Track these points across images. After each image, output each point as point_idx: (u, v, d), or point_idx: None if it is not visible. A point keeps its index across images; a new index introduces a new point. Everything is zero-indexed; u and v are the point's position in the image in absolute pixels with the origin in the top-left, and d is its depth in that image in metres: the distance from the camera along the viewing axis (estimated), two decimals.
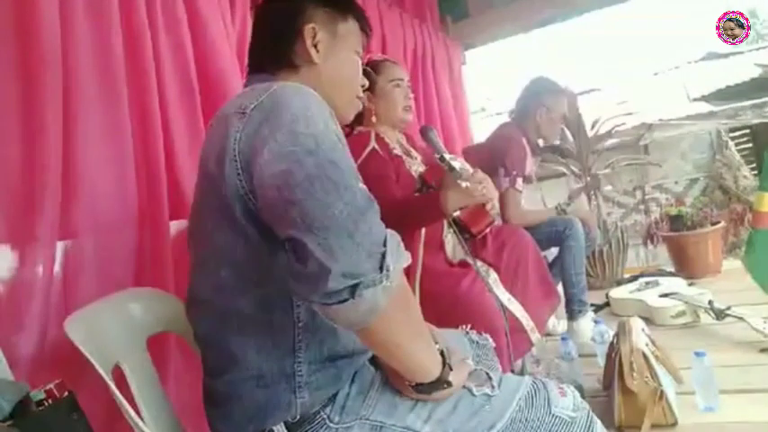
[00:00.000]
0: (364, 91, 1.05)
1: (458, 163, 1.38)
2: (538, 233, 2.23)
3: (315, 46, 0.93)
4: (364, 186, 0.77)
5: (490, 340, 1.15)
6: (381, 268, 0.68)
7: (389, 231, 0.73)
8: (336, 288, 0.66)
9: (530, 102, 2.43)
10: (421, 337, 0.80)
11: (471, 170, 1.38)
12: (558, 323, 2.43)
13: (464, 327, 1.16)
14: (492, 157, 2.30)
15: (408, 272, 1.52)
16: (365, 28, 1.02)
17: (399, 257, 0.73)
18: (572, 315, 2.26)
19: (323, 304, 0.68)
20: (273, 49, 0.94)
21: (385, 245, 0.70)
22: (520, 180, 2.27)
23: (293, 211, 0.68)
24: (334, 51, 0.95)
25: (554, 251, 2.44)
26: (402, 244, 0.75)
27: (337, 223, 0.67)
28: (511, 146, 2.31)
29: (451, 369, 0.81)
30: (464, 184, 1.33)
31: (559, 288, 2.32)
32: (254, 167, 0.73)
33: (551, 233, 2.27)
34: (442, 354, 0.82)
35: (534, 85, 2.47)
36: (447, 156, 1.37)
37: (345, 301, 0.67)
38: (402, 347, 0.76)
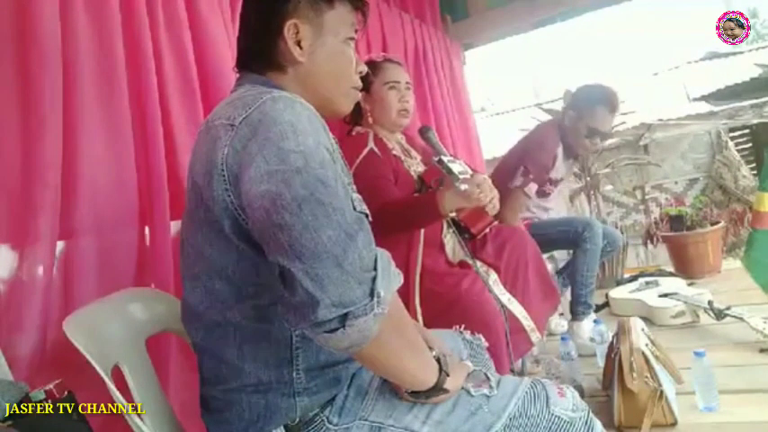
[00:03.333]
0: (361, 91, 1.00)
1: (456, 165, 1.37)
2: (553, 232, 2.20)
3: (298, 43, 0.85)
4: (357, 196, 0.76)
5: (483, 340, 1.15)
6: (372, 295, 0.68)
7: (380, 251, 0.72)
8: (326, 318, 0.66)
9: (566, 103, 2.34)
10: (415, 353, 0.79)
11: (470, 172, 1.37)
12: (560, 323, 2.43)
13: (458, 327, 1.16)
14: (522, 156, 2.21)
15: (408, 272, 1.52)
16: (358, 5, 0.92)
17: (391, 280, 0.72)
18: (575, 315, 2.26)
19: (313, 333, 0.68)
20: (257, 51, 0.88)
21: (375, 268, 0.69)
22: (532, 186, 2.16)
23: (282, 236, 0.67)
24: (322, 45, 0.87)
25: (559, 254, 2.43)
26: (393, 263, 0.74)
27: (326, 250, 0.66)
28: (539, 149, 2.22)
29: (448, 375, 0.81)
30: (462, 187, 1.32)
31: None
32: (242, 184, 0.71)
33: (568, 233, 2.21)
34: (438, 360, 0.82)
35: (581, 88, 2.34)
36: (445, 158, 1.36)
37: (336, 330, 0.66)
38: (396, 366, 0.76)
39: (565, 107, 2.36)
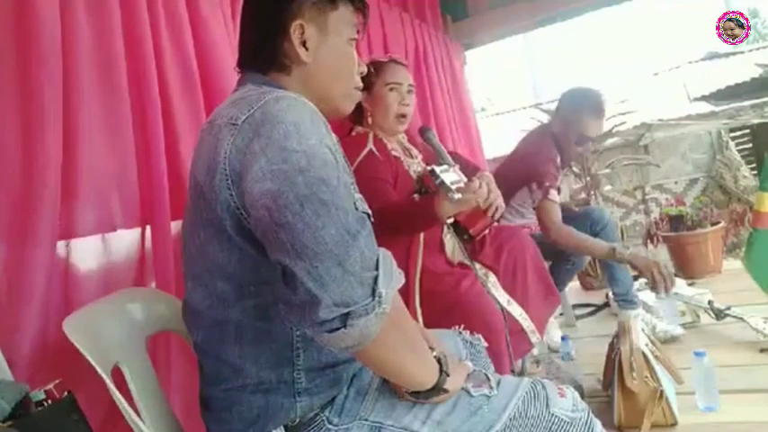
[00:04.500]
0: (362, 90, 0.99)
1: (449, 174, 1.33)
2: (539, 242, 2.21)
3: (303, 44, 0.86)
4: (359, 196, 0.76)
5: (482, 340, 1.15)
6: (374, 294, 0.67)
7: (382, 251, 0.72)
8: (327, 317, 0.66)
9: (556, 110, 2.31)
10: (415, 353, 0.79)
11: (464, 180, 1.35)
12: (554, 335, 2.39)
13: (457, 327, 1.15)
14: (524, 172, 2.17)
15: (408, 272, 1.52)
16: (359, 6, 0.92)
17: (393, 280, 0.72)
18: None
19: (314, 332, 0.68)
20: (261, 51, 0.88)
21: (377, 267, 0.69)
22: (554, 191, 2.11)
23: (283, 235, 0.67)
24: (326, 46, 0.88)
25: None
26: (395, 263, 0.74)
27: (327, 249, 0.66)
28: (537, 161, 2.17)
29: (448, 375, 0.81)
30: (456, 197, 1.30)
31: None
32: (245, 183, 0.71)
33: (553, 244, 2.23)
34: (439, 360, 0.82)
35: (565, 95, 2.29)
36: (438, 168, 1.31)
37: (337, 329, 0.66)
38: (396, 365, 0.76)
39: (553, 115, 2.32)
